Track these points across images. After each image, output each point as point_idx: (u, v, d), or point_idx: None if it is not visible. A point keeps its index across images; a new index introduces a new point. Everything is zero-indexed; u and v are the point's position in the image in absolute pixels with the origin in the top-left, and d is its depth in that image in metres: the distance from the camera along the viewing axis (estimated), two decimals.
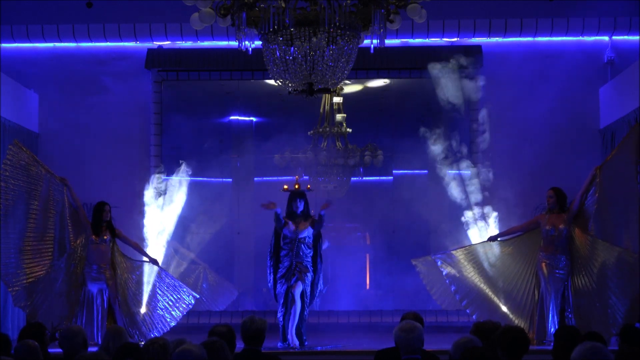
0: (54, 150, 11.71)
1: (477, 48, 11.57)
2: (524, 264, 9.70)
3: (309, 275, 9.64)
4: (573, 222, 9.50)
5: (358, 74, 11.74)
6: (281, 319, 9.62)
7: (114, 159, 11.79)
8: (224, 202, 11.98)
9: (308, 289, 9.64)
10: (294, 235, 9.62)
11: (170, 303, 9.92)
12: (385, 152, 11.56)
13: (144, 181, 11.12)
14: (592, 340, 4.74)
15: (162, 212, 10.75)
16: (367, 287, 12.06)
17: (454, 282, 9.80)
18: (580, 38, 11.81)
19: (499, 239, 9.86)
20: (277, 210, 9.65)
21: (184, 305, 9.94)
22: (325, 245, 10.03)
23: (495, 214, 10.40)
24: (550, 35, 11.75)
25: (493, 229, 10.35)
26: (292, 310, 9.53)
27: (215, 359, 4.76)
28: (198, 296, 10.12)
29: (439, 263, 9.83)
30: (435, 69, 10.80)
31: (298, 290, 9.56)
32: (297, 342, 9.47)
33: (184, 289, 9.96)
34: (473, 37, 11.71)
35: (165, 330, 9.87)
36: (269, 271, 9.77)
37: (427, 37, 11.69)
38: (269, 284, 9.81)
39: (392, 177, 12.10)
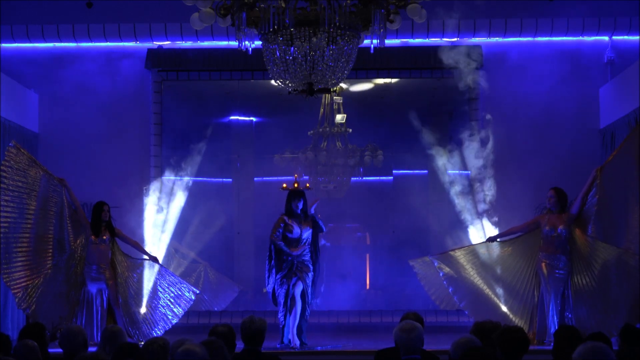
0: (54, 150, 11.70)
1: (477, 48, 11.56)
2: (523, 264, 9.67)
3: (310, 275, 9.61)
4: (573, 223, 9.48)
5: (358, 74, 11.74)
6: (282, 320, 9.58)
7: (114, 159, 11.78)
8: (224, 202, 11.98)
9: (309, 289, 9.61)
10: (297, 236, 9.60)
11: (172, 300, 9.93)
12: (385, 152, 11.57)
13: (144, 181, 11.13)
14: (596, 340, 4.72)
15: (162, 212, 10.76)
16: (367, 287, 12.05)
17: (452, 283, 9.76)
18: (580, 38, 11.81)
19: (498, 239, 9.83)
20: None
21: (185, 302, 9.95)
22: (321, 242, 10.00)
23: (495, 214, 10.39)
24: (550, 35, 11.74)
25: (492, 229, 10.35)
26: (293, 310, 9.51)
27: (214, 359, 4.76)
28: (198, 291, 10.12)
29: (436, 264, 9.79)
30: (437, 67, 10.82)
31: (298, 289, 9.54)
32: (297, 342, 9.45)
33: (184, 286, 9.97)
34: (473, 37, 11.70)
35: (167, 328, 9.87)
36: (267, 274, 9.71)
37: (427, 37, 11.67)
38: (268, 288, 9.75)
39: (392, 177, 12.09)
